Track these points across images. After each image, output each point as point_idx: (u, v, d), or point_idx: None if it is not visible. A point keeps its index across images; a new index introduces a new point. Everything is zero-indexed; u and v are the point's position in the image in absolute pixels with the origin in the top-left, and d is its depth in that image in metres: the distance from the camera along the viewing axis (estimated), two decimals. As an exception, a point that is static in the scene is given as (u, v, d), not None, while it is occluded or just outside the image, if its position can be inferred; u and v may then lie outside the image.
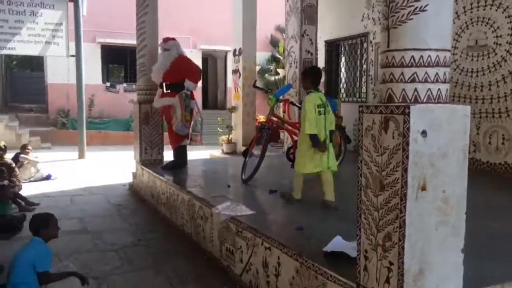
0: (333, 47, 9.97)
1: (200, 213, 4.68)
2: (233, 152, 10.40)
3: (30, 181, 8.06)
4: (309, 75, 4.45)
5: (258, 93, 10.83)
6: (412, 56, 2.25)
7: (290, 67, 8.37)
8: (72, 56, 11.89)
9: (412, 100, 2.26)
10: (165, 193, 5.86)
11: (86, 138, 11.95)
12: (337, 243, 3.07)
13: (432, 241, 2.27)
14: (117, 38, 16.41)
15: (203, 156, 9.54)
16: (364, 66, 9.07)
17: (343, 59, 9.94)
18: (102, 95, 16.66)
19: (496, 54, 6.42)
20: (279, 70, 16.61)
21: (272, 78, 17.01)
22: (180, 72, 6.41)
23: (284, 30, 10.70)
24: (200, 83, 7.07)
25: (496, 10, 6.37)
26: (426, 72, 2.25)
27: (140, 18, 7.13)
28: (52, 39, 11.57)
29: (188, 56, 6.91)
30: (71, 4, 11.65)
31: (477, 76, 6.70)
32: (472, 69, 6.75)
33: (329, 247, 3.03)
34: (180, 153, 6.70)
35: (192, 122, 6.53)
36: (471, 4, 6.70)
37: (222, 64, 19.50)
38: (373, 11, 8.67)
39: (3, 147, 8.06)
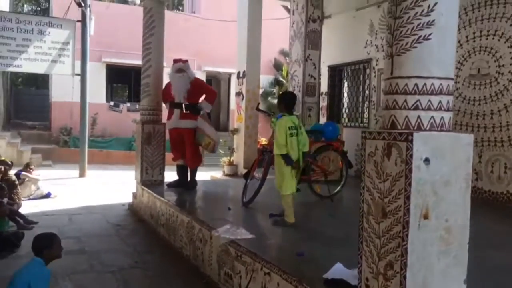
0: (336, 72, 10.04)
1: (200, 235, 4.64)
2: (234, 174, 10.36)
3: (30, 199, 8.01)
4: (284, 100, 4.72)
5: (260, 116, 10.86)
6: (416, 84, 2.26)
7: (293, 90, 8.43)
8: (78, 74, 12.00)
9: (415, 127, 2.26)
10: (165, 214, 5.82)
11: (88, 156, 11.95)
12: (337, 270, 3.02)
13: (434, 271, 2.23)
14: (122, 58, 16.59)
15: (204, 178, 9.50)
16: (367, 92, 9.12)
17: (345, 84, 10.00)
18: (105, 114, 16.74)
19: (498, 83, 6.45)
20: (282, 94, 16.70)
21: (275, 101, 17.07)
22: (200, 93, 6.56)
23: (287, 54, 10.83)
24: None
25: (499, 40, 6.44)
26: (429, 100, 2.26)
27: (147, 39, 7.22)
28: (59, 58, 11.70)
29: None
30: (78, 24, 11.82)
31: (479, 104, 6.72)
32: (474, 97, 6.78)
33: (329, 274, 2.98)
34: (195, 174, 6.80)
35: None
36: (474, 33, 6.78)
37: (226, 86, 19.65)
38: (376, 37, 8.76)
39: (10, 163, 8.11)
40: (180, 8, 27.08)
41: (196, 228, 4.75)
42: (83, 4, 11.54)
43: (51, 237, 3.38)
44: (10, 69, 12.31)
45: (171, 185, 6.78)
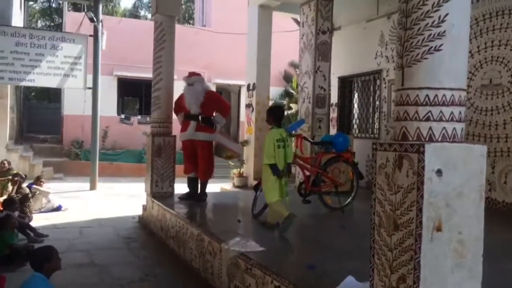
0: (346, 83, 10.03)
1: (209, 248, 4.61)
2: (244, 186, 10.35)
3: (41, 212, 8.07)
4: (273, 113, 5.03)
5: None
6: (427, 95, 2.24)
7: (303, 102, 8.43)
8: (89, 88, 12.13)
9: (427, 139, 2.23)
10: (174, 227, 5.81)
11: (99, 169, 12.02)
12: (349, 284, 2.98)
13: (448, 285, 2.19)
14: (133, 72, 16.76)
15: (214, 190, 9.50)
16: (377, 103, 9.09)
17: (356, 95, 9.98)
18: (116, 126, 16.88)
19: (511, 93, 6.39)
20: (292, 105, 16.70)
21: (285, 113, 17.09)
22: (214, 106, 6.60)
23: (297, 66, 10.86)
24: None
25: (511, 50, 6.39)
26: (441, 111, 2.23)
27: (157, 53, 7.29)
28: (71, 72, 11.85)
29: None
30: (91, 39, 11.99)
31: (491, 114, 6.65)
32: (486, 107, 6.71)
33: (341, 288, 2.94)
34: (205, 186, 6.83)
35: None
36: (485, 43, 6.74)
37: (236, 98, 19.73)
38: (386, 48, 8.75)
39: (24, 176, 8.22)
40: (191, 21, 27.40)
41: (205, 240, 4.73)
42: (95, 19, 11.71)
43: (49, 249, 3.35)
44: (24, 83, 12.48)
45: (183, 197, 6.78)
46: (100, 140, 13.79)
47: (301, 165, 6.15)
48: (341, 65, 9.65)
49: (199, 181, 6.78)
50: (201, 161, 6.58)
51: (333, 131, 9.64)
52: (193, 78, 6.60)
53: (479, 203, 2.27)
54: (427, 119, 2.25)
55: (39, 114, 23.82)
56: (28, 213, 7.32)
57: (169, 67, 7.33)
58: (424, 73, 2.26)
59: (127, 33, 16.56)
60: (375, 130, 9.16)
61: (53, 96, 26.74)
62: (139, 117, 17.85)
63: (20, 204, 7.12)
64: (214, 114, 6.63)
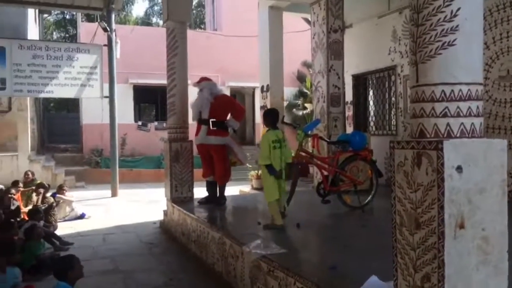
0: (360, 80, 9.97)
1: (231, 251, 4.64)
2: (262, 188, 10.36)
3: (65, 220, 8.22)
4: (268, 116, 5.24)
5: (286, 128, 10.84)
6: (443, 91, 2.22)
7: (318, 102, 8.40)
8: (106, 97, 12.31)
9: (445, 135, 2.21)
10: (196, 231, 5.85)
11: (119, 176, 12.19)
12: (373, 284, 2.96)
13: (473, 282, 2.16)
14: (148, 79, 16.95)
15: (233, 192, 9.53)
16: (393, 99, 9.01)
17: (371, 93, 9.90)
18: (134, 133, 17.09)
19: (530, 83, 6.27)
20: (307, 105, 16.67)
21: (300, 113, 17.07)
22: (225, 110, 6.58)
23: (310, 66, 10.82)
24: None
25: (527, 39, 6.27)
26: (458, 106, 2.21)
27: (170, 60, 7.36)
28: (87, 82, 12.05)
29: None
30: (105, 48, 12.17)
31: (510, 106, 6.53)
32: (505, 99, 6.60)
33: (364, 288, 2.93)
34: (224, 190, 6.84)
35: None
36: (501, 34, 6.62)
37: (250, 100, 19.77)
38: (399, 44, 8.67)
39: (47, 186, 8.40)
40: (202, 26, 27.56)
41: (227, 244, 4.76)
42: (108, 29, 11.88)
43: (71, 258, 3.42)
44: (42, 95, 12.75)
45: (202, 201, 6.82)
46: (119, 148, 13.97)
47: (318, 165, 6.14)
48: (354, 62, 9.59)
49: (217, 185, 6.81)
50: (216, 165, 6.61)
51: (349, 129, 9.59)
52: (201, 83, 6.64)
53: (502, 198, 2.24)
54: (444, 115, 2.23)
55: (58, 124, 24.27)
56: (53, 222, 7.46)
57: (182, 73, 7.40)
58: (438, 68, 2.24)
59: (140, 41, 16.76)
60: (392, 126, 9.09)
61: (71, 106, 27.20)
62: (155, 123, 18.04)
63: (45, 213, 7.27)
64: (228, 117, 6.65)
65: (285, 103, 13.79)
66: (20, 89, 11.51)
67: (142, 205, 10.23)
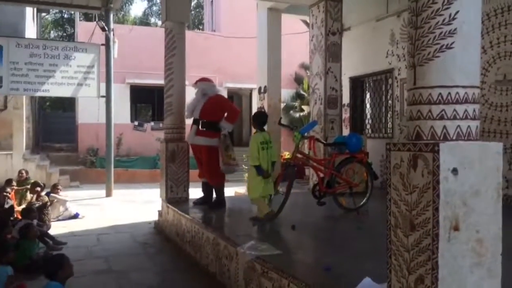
0: (357, 83, 9.99)
1: (225, 252, 4.62)
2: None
3: (58, 220, 8.17)
4: (256, 119, 5.51)
5: (283, 130, 10.86)
6: (440, 93, 2.23)
7: (315, 104, 8.41)
8: (103, 96, 12.27)
9: (441, 138, 2.22)
10: (190, 232, 5.84)
11: (114, 176, 12.15)
12: (366, 285, 2.96)
13: (467, 285, 2.17)
14: (145, 79, 16.93)
15: (228, 194, 9.50)
16: (390, 102, 9.03)
17: (368, 95, 9.93)
18: (130, 133, 17.05)
19: (526, 88, 6.30)
20: (304, 107, 16.70)
21: (297, 115, 17.10)
22: (217, 111, 6.42)
23: (308, 68, 10.83)
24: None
25: (524, 44, 6.30)
26: (454, 109, 2.22)
27: (168, 60, 7.35)
28: (84, 81, 12.01)
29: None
30: (103, 48, 12.14)
31: (506, 110, 6.56)
32: (501, 103, 6.63)
33: (358, 290, 2.93)
34: (222, 192, 6.68)
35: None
36: (498, 39, 6.65)
37: (247, 101, 19.78)
38: (397, 47, 8.70)
39: (42, 184, 8.36)
40: (200, 27, 27.57)
41: (221, 245, 4.75)
42: (106, 28, 11.86)
43: (61, 257, 3.42)
44: (38, 94, 12.68)
45: (197, 202, 6.80)
46: (115, 148, 13.94)
47: (315, 167, 6.14)
48: (352, 65, 9.61)
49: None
50: (204, 166, 6.53)
51: (346, 131, 9.60)
52: (197, 84, 6.64)
53: (497, 201, 2.24)
54: (441, 118, 2.24)
55: (54, 123, 24.16)
56: (47, 221, 7.42)
57: (180, 73, 7.39)
58: (436, 71, 2.24)
59: (138, 40, 16.75)
60: (389, 129, 9.10)
61: (67, 105, 27.12)
62: (152, 123, 18.01)
63: (39, 212, 7.24)
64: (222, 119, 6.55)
65: (282, 105, 13.79)
66: (17, 87, 11.46)
67: (137, 206, 10.20)
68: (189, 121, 7.03)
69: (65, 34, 30.80)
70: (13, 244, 5.17)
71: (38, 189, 8.23)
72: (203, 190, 6.87)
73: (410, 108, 2.36)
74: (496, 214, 2.24)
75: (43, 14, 20.23)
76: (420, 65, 2.29)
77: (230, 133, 6.56)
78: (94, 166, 15.66)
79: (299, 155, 5.87)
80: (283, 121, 7.71)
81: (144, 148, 16.73)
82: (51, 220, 7.77)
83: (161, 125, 15.44)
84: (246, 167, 11.86)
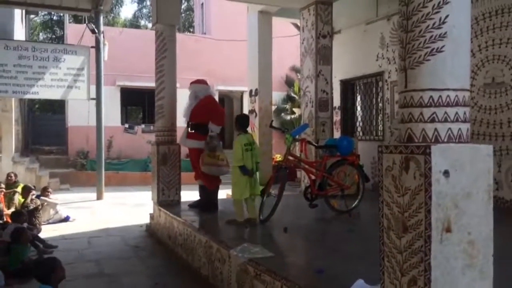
0: (348, 86, 10.05)
1: (218, 255, 4.62)
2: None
3: (49, 223, 8.09)
4: (239, 121, 5.63)
5: (274, 133, 10.90)
6: (431, 96, 2.25)
7: (306, 106, 8.44)
8: (93, 99, 12.19)
9: (433, 140, 2.24)
10: (182, 235, 5.82)
11: (105, 179, 12.05)
12: (359, 287, 2.98)
13: (460, 286, 2.19)
14: (136, 81, 16.86)
15: (220, 196, 9.48)
16: (380, 105, 9.09)
17: (358, 98, 9.99)
18: (120, 136, 16.96)
19: (514, 91, 6.38)
20: (295, 109, 16.75)
21: (288, 118, 17.15)
22: (203, 113, 6.41)
23: (299, 70, 10.87)
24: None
25: (512, 48, 6.39)
26: (445, 112, 2.24)
27: (159, 62, 7.33)
28: (74, 83, 11.92)
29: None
30: (93, 50, 12.07)
31: (495, 113, 6.64)
32: (490, 106, 6.71)
33: (351, 291, 2.94)
34: (216, 195, 6.70)
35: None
36: (486, 42, 6.74)
37: (238, 104, 19.78)
38: (387, 50, 8.77)
39: (33, 187, 8.27)
40: (191, 30, 27.54)
41: (214, 247, 4.74)
42: (96, 31, 11.79)
43: (53, 260, 3.41)
44: (27, 96, 12.56)
45: (193, 205, 6.76)
46: (105, 150, 13.84)
47: (306, 170, 6.16)
48: (342, 68, 9.67)
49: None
50: (198, 169, 6.49)
51: (337, 134, 9.65)
52: (190, 86, 6.65)
53: (488, 203, 2.27)
54: (432, 121, 2.26)
55: (44, 126, 23.94)
56: (37, 225, 7.35)
57: (171, 76, 7.37)
58: (427, 74, 2.27)
59: (128, 43, 16.68)
60: (379, 132, 9.17)
61: (57, 107, 26.87)
62: (143, 126, 17.94)
63: (30, 215, 7.17)
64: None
65: (274, 108, 13.84)
66: (5, 89, 11.34)
67: (128, 208, 10.14)
68: (180, 124, 7.03)
69: (54, 36, 30.55)
70: (3, 248, 5.11)
71: (33, 192, 8.16)
72: (200, 193, 6.82)
73: (402, 110, 2.38)
74: (487, 216, 2.27)
75: (32, 16, 20.03)
76: (411, 68, 2.31)
77: (221, 135, 6.57)
78: (85, 168, 15.54)
79: (290, 158, 5.89)
80: (275, 124, 7.72)
81: (135, 151, 16.65)
82: (42, 223, 7.70)
83: (152, 127, 15.40)
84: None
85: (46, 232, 7.28)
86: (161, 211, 6.93)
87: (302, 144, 6.31)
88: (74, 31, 16.40)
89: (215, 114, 6.48)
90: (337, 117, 10.01)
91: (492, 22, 6.67)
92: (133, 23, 31.36)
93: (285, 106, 17.92)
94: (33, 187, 8.48)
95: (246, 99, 14.73)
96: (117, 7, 30.82)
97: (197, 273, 5.12)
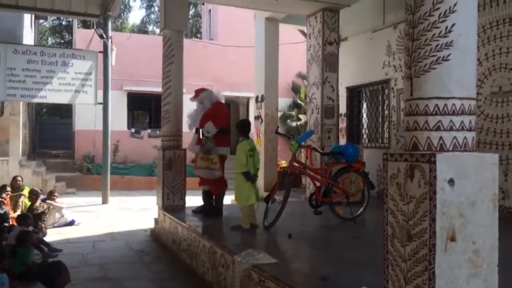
0: (354, 93, 10.05)
1: (222, 261, 4.61)
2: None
3: (54, 227, 8.12)
4: (241, 127, 5.64)
5: (280, 139, 10.88)
6: (436, 105, 2.25)
7: (312, 113, 8.44)
8: (100, 103, 12.27)
9: (438, 148, 2.24)
10: (186, 240, 5.82)
11: (110, 183, 12.10)
12: (363, 295, 2.97)
13: (464, 295, 2.18)
14: (143, 86, 16.95)
15: (225, 201, 9.49)
16: (386, 112, 9.08)
17: (364, 105, 9.98)
18: (126, 141, 17.02)
19: (521, 99, 6.35)
20: (301, 116, 16.75)
21: (294, 124, 17.14)
22: (210, 117, 6.40)
23: (305, 77, 10.89)
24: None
25: (519, 56, 6.37)
26: (451, 120, 2.24)
27: (166, 68, 7.38)
28: (81, 88, 12.00)
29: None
30: (100, 55, 12.17)
31: (502, 122, 6.61)
32: (497, 115, 6.68)
33: (355, 299, 2.93)
34: (222, 200, 6.67)
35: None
36: (493, 51, 6.72)
37: (244, 110, 19.81)
38: (394, 58, 8.77)
39: (39, 191, 8.32)
40: (198, 35, 27.68)
41: (218, 253, 4.74)
42: (104, 36, 11.89)
43: (58, 264, 3.41)
44: (35, 100, 12.65)
45: (196, 211, 6.76)
46: (111, 155, 13.90)
47: (311, 176, 6.15)
48: (349, 75, 9.67)
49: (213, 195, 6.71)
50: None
51: (342, 141, 9.64)
52: (200, 96, 6.60)
53: (493, 212, 2.26)
54: (437, 129, 2.26)
55: (51, 129, 24.12)
56: (43, 228, 7.38)
57: (178, 81, 7.41)
58: (432, 83, 2.27)
59: (136, 48, 16.79)
60: (385, 139, 9.14)
61: (64, 112, 27.07)
62: (149, 131, 18.00)
63: (36, 219, 7.20)
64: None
65: (279, 114, 13.83)
66: (14, 93, 11.43)
67: (133, 213, 10.16)
68: (186, 129, 7.04)
69: (62, 41, 30.84)
70: (8, 251, 5.13)
71: (41, 196, 8.22)
72: (203, 199, 6.83)
73: (407, 118, 2.39)
74: (492, 225, 2.26)
75: (41, 21, 20.25)
76: (417, 77, 2.32)
77: (227, 140, 6.55)
78: (91, 173, 15.60)
79: (296, 164, 5.88)
80: (280, 130, 7.72)
81: (141, 156, 16.70)
82: (47, 227, 7.74)
83: (158, 132, 15.44)
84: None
85: (51, 235, 7.31)
86: (165, 216, 6.94)
87: (308, 151, 6.31)
88: (82, 36, 16.56)
89: (218, 116, 6.49)
90: (343, 124, 10.00)
91: (500, 30, 6.65)
92: (141, 29, 31.59)
93: (291, 112, 17.93)
94: (39, 191, 8.53)
95: (252, 105, 14.75)
96: (125, 12, 31.11)
97: (201, 279, 5.12)
